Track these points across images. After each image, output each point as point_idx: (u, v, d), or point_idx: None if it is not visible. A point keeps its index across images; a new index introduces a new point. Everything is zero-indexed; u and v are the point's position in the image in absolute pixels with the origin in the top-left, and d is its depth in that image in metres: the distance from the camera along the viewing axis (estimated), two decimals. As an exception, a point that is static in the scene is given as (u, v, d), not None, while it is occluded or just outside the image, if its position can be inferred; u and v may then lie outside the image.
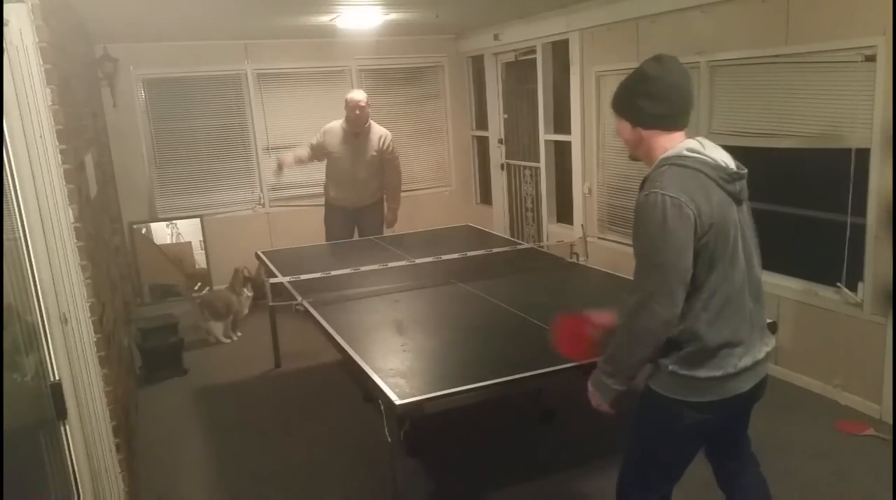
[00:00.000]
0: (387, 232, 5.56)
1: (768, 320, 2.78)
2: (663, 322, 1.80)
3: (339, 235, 5.41)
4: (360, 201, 5.40)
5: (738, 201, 1.87)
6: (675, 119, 1.88)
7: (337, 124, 5.28)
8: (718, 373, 1.85)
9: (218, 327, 5.17)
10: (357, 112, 5.13)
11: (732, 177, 1.83)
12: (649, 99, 1.87)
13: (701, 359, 1.85)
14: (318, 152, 5.36)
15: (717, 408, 1.89)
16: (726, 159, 1.86)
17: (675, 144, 1.88)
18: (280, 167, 5.40)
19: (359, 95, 5.19)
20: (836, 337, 3.69)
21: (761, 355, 1.95)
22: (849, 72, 3.45)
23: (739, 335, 1.87)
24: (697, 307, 1.83)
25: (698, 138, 1.89)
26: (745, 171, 1.89)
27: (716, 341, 1.84)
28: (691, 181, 1.79)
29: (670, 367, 1.88)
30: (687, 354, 1.86)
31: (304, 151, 5.41)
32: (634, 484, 2.09)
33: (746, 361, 1.89)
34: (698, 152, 1.83)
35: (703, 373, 1.85)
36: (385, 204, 5.57)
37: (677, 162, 1.82)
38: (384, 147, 5.33)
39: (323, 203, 5.67)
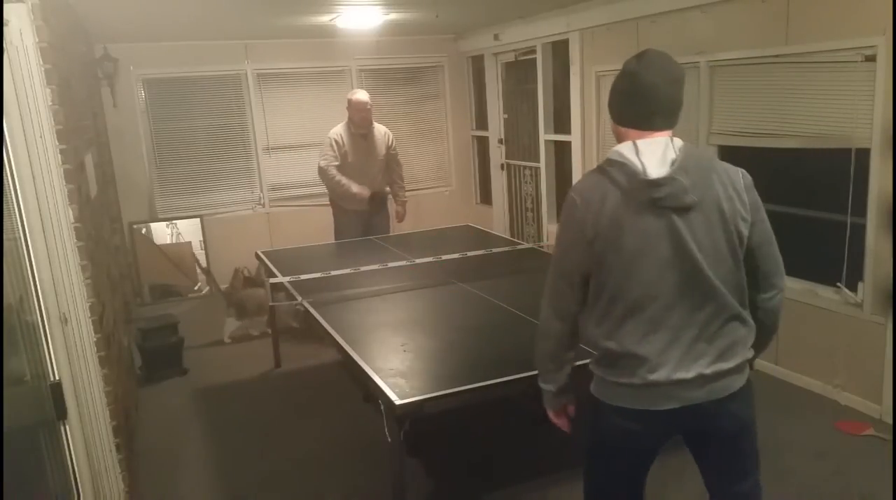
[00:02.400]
0: (394, 230, 5.55)
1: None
2: (551, 316, 1.90)
3: (350, 238, 5.37)
4: (374, 202, 5.38)
5: (666, 208, 1.70)
6: (647, 119, 1.78)
7: (341, 128, 5.18)
8: (625, 380, 1.79)
9: (232, 325, 5.14)
10: (363, 114, 5.08)
11: (651, 184, 1.70)
12: (623, 96, 1.83)
13: (610, 363, 1.83)
14: (344, 163, 5.18)
15: (635, 419, 1.80)
16: (655, 164, 1.72)
17: None
18: (370, 198, 5.24)
19: (364, 95, 5.13)
20: (836, 337, 3.69)
21: (689, 375, 1.75)
22: (849, 72, 3.45)
23: (647, 348, 1.75)
24: (593, 312, 1.84)
25: (645, 139, 1.76)
26: (679, 180, 1.70)
27: (616, 349, 1.79)
28: (595, 185, 1.78)
29: (593, 369, 1.89)
30: (599, 357, 1.86)
31: (351, 183, 5.15)
32: (587, 486, 2.06)
33: (659, 376, 1.75)
34: (623, 156, 1.75)
35: (615, 377, 1.82)
36: (393, 199, 5.54)
37: (602, 164, 1.82)
38: (390, 143, 5.33)
39: (323, 204, 5.65)
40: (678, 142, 1.78)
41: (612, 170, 1.76)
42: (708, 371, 1.76)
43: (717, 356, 1.77)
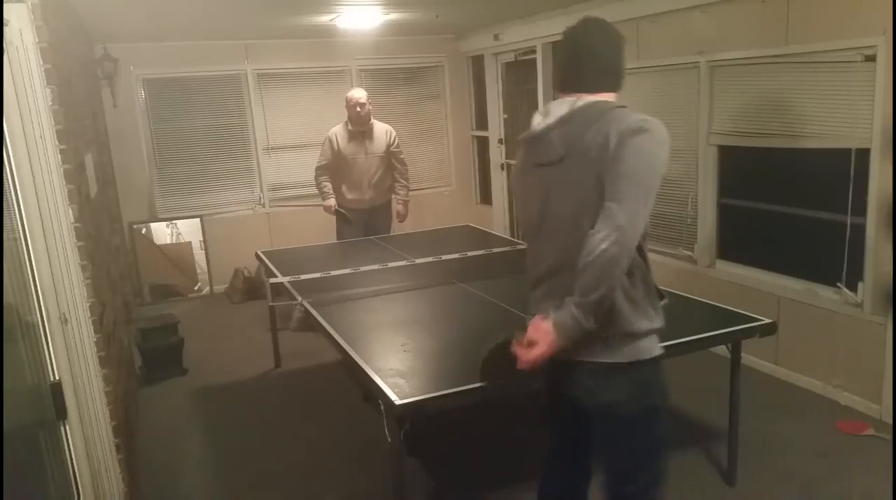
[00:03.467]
0: (395, 230, 5.55)
1: (767, 320, 2.82)
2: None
3: (351, 237, 5.37)
4: (375, 201, 5.36)
5: (545, 159, 1.78)
6: (559, 81, 1.88)
7: (339, 128, 5.22)
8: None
9: (299, 312, 5.05)
10: (359, 110, 5.10)
11: (532, 140, 1.82)
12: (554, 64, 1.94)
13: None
14: (333, 165, 5.23)
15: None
16: (540, 121, 1.81)
17: None
18: (335, 210, 5.30)
19: (359, 92, 5.17)
20: (836, 337, 3.69)
21: None
22: (849, 72, 3.45)
23: (535, 286, 1.91)
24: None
25: (557, 100, 1.84)
26: (550, 135, 1.75)
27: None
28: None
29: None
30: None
31: (328, 193, 5.27)
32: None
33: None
34: (534, 116, 1.85)
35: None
36: (395, 198, 5.54)
37: None
38: (392, 141, 5.33)
39: (322, 203, 5.64)
40: (585, 100, 1.77)
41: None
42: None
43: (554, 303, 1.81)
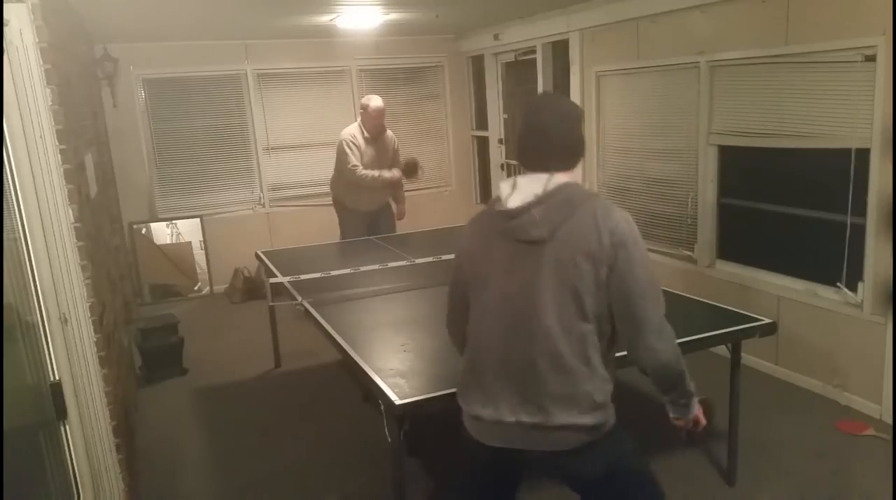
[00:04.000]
0: (398, 229, 5.57)
1: (767, 320, 2.81)
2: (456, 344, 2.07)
3: (355, 237, 5.36)
4: (381, 202, 5.38)
5: (516, 240, 1.72)
6: (522, 158, 1.82)
7: (354, 131, 5.16)
8: (463, 405, 1.89)
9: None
10: (378, 121, 5.10)
11: (503, 214, 1.73)
12: (517, 138, 1.86)
13: (458, 387, 1.94)
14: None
15: (470, 442, 1.89)
16: (518, 198, 1.73)
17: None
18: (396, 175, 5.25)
19: (379, 101, 5.13)
20: (836, 337, 3.69)
21: (510, 419, 1.74)
22: (849, 72, 3.45)
23: (478, 379, 1.82)
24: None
25: (527, 176, 1.76)
26: (532, 212, 1.69)
27: (463, 371, 1.91)
28: (479, 215, 1.90)
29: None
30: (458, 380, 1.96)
31: (383, 173, 5.20)
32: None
33: (487, 413, 1.78)
34: (501, 188, 1.80)
35: (460, 403, 1.92)
36: (394, 198, 5.54)
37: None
38: (396, 146, 5.38)
39: (323, 203, 5.64)
40: (560, 180, 1.72)
41: (493, 201, 1.82)
42: (527, 420, 1.75)
43: (539, 409, 1.74)
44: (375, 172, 5.13)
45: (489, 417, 1.77)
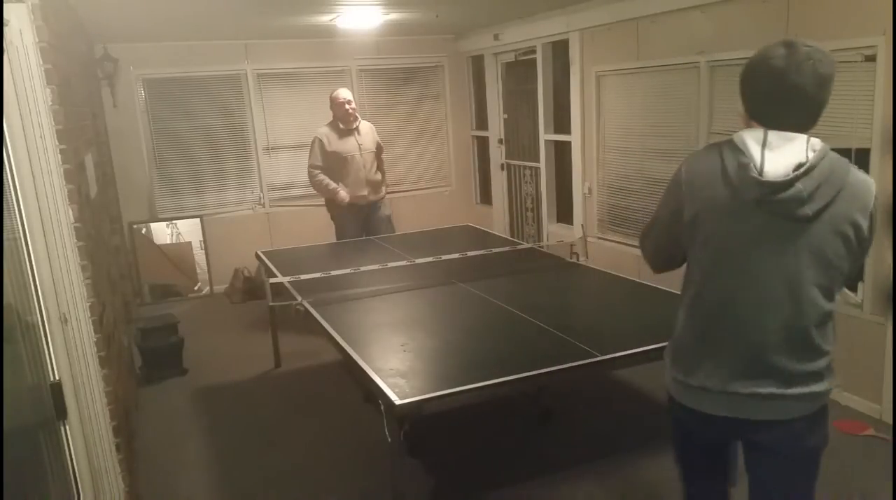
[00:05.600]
0: (396, 230, 5.56)
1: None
2: (649, 262, 1.94)
3: (351, 236, 5.37)
4: (371, 197, 5.38)
5: (775, 215, 1.58)
6: (778, 119, 1.62)
7: (326, 129, 5.28)
8: (680, 376, 1.79)
9: None
10: (346, 107, 5.19)
11: (762, 184, 1.57)
12: (762, 96, 1.65)
13: (675, 354, 1.83)
14: (325, 166, 5.23)
15: (688, 414, 1.80)
16: (777, 163, 1.58)
17: None
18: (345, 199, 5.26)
19: (345, 91, 5.30)
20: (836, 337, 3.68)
21: (745, 390, 1.70)
22: (849, 72, 3.45)
23: (712, 350, 1.72)
24: (682, 296, 1.83)
25: (779, 133, 1.61)
26: (798, 188, 1.55)
27: (686, 338, 1.78)
28: (706, 168, 1.66)
29: (664, 356, 1.90)
30: (671, 345, 1.86)
31: (336, 187, 5.22)
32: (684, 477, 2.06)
33: (714, 382, 1.72)
34: (746, 145, 1.60)
35: (672, 371, 1.83)
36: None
37: (722, 143, 1.67)
38: (377, 137, 5.44)
39: (323, 204, 5.64)
40: (816, 143, 1.62)
41: (729, 157, 1.62)
42: (763, 391, 1.72)
43: (781, 381, 1.73)
44: (326, 183, 5.21)
45: (716, 387, 1.72)
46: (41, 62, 2.19)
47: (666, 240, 1.83)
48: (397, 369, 2.68)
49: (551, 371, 2.60)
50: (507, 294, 3.60)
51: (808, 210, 1.56)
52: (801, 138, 1.62)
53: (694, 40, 4.28)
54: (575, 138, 5.58)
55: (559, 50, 5.80)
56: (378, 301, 3.64)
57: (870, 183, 1.66)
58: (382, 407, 2.46)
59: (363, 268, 4.01)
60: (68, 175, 2.28)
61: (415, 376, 2.62)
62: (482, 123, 7.25)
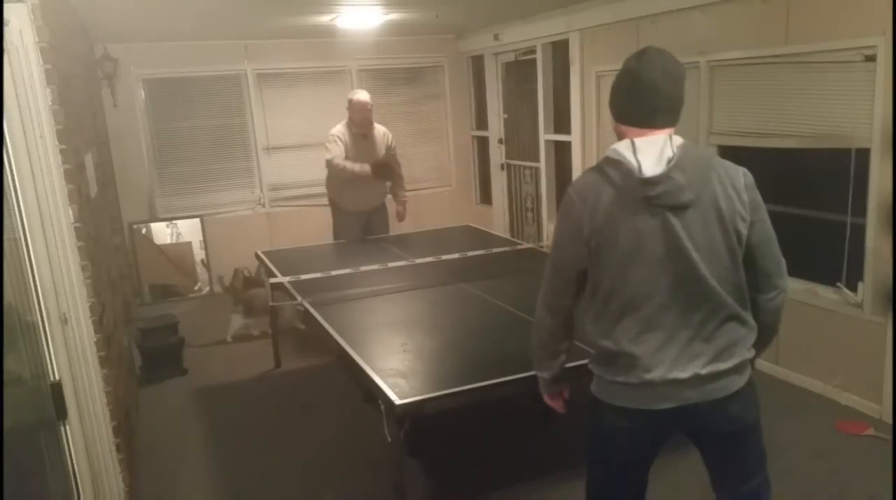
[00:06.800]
0: (394, 230, 5.54)
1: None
2: (543, 310, 1.94)
3: (349, 238, 5.35)
4: (374, 202, 5.34)
5: (661, 207, 1.70)
6: (648, 116, 1.77)
7: (342, 128, 5.15)
8: (622, 379, 1.79)
9: (237, 323, 5.10)
10: (364, 114, 5.06)
11: (645, 182, 1.70)
12: (624, 94, 1.83)
13: (607, 362, 1.83)
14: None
15: (633, 418, 1.80)
16: (651, 162, 1.72)
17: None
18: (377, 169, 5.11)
19: (365, 96, 5.11)
20: (836, 337, 3.69)
21: (685, 374, 1.74)
22: (849, 72, 3.45)
23: (642, 347, 1.75)
24: (589, 310, 1.85)
25: (644, 138, 1.76)
26: (675, 178, 1.69)
27: (612, 347, 1.79)
28: (592, 183, 1.79)
29: (591, 368, 1.90)
30: (597, 356, 1.87)
31: (355, 165, 5.07)
32: (588, 485, 2.05)
33: (654, 375, 1.75)
34: (619, 154, 1.76)
35: (612, 376, 1.82)
36: (394, 199, 5.51)
37: (599, 162, 1.82)
38: (390, 143, 5.31)
39: (323, 204, 5.64)
40: (677, 140, 1.77)
41: (609, 168, 1.77)
42: (704, 371, 1.76)
43: (713, 357, 1.77)
44: (346, 163, 5.03)
45: (659, 378, 1.75)
46: (41, 62, 2.19)
47: (569, 268, 1.85)
48: (397, 369, 2.68)
49: (551, 371, 2.59)
50: (507, 294, 3.60)
51: (689, 195, 1.70)
52: (662, 138, 1.76)
53: (694, 40, 4.28)
54: (575, 138, 5.58)
55: (559, 50, 5.80)
56: (378, 301, 3.64)
57: (734, 165, 1.82)
58: (382, 407, 2.46)
59: (363, 268, 4.01)
60: (68, 175, 2.29)
61: (415, 376, 2.62)
62: (482, 123, 7.25)
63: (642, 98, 1.78)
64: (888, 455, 3.14)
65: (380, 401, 2.49)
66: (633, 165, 1.73)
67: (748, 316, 1.83)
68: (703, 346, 1.76)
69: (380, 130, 5.28)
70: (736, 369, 1.80)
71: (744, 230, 1.77)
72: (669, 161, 1.72)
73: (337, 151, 5.07)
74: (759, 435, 1.90)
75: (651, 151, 1.74)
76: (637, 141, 1.76)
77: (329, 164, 5.11)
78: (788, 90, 3.79)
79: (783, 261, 1.91)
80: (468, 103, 7.40)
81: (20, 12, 2.11)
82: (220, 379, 4.51)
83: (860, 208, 3.49)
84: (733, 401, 1.80)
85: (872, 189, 3.40)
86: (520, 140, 6.76)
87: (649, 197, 1.70)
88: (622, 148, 1.77)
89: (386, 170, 5.17)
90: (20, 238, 2.13)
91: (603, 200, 1.74)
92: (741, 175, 1.79)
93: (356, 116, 5.08)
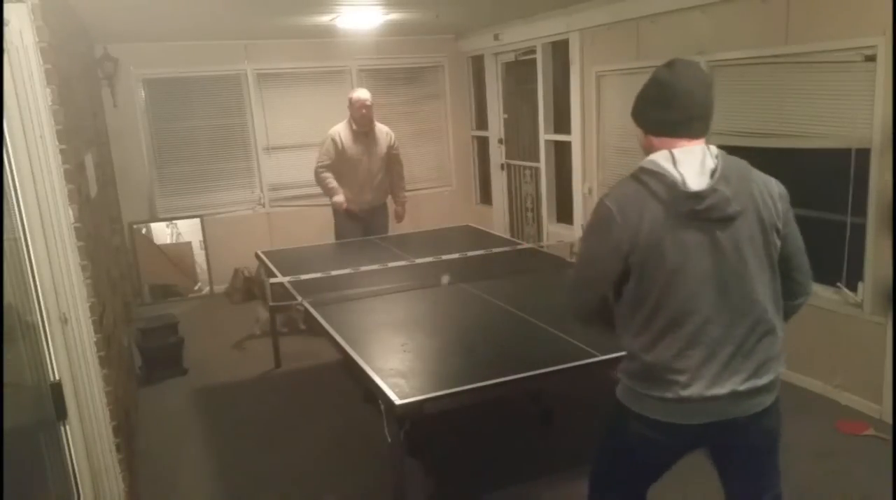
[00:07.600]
0: (392, 231, 5.55)
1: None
2: (581, 322, 1.97)
3: (350, 238, 5.36)
4: (374, 202, 5.36)
5: (708, 221, 1.67)
6: (685, 126, 1.76)
7: (342, 128, 5.18)
8: (659, 394, 1.77)
9: (264, 314, 5.01)
10: (364, 111, 5.08)
11: (692, 196, 1.66)
12: (658, 105, 1.81)
13: (645, 376, 1.80)
14: (335, 165, 5.19)
15: (663, 430, 1.78)
16: (694, 174, 1.68)
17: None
18: (346, 208, 5.25)
19: (364, 93, 5.12)
20: (836, 337, 3.69)
21: (723, 391, 1.73)
22: (849, 72, 3.45)
23: (684, 363, 1.73)
24: (630, 324, 1.81)
25: (682, 149, 1.73)
26: (721, 190, 1.67)
27: (654, 361, 1.77)
28: (633, 196, 1.73)
29: (623, 377, 1.87)
30: (634, 368, 1.83)
31: (336, 188, 5.21)
32: (594, 484, 2.05)
33: (692, 392, 1.73)
34: (660, 166, 1.71)
35: (647, 390, 1.79)
36: (394, 199, 5.53)
37: (636, 173, 1.77)
38: (392, 143, 5.33)
39: (323, 204, 5.65)
40: (713, 149, 1.75)
41: (650, 180, 1.72)
42: (742, 388, 1.76)
43: (752, 373, 1.78)
44: (325, 177, 5.19)
45: (697, 395, 1.74)
46: (41, 62, 2.19)
47: (603, 281, 1.82)
48: (397, 369, 2.68)
49: (551, 371, 2.60)
50: (507, 294, 3.60)
51: (735, 207, 1.69)
52: (700, 148, 1.75)
53: (694, 40, 4.27)
54: (575, 138, 5.58)
55: (559, 50, 5.80)
56: (378, 301, 3.64)
57: (766, 175, 1.85)
58: (382, 407, 2.46)
59: (363, 268, 4.01)
60: (68, 175, 2.29)
61: (415, 376, 2.62)
62: (482, 123, 7.25)
63: (678, 107, 1.77)
64: (888, 455, 3.14)
65: (380, 401, 2.49)
66: (675, 177, 1.69)
67: (781, 328, 1.84)
68: (744, 362, 1.76)
69: (382, 129, 5.29)
70: (770, 386, 1.83)
71: (778, 241, 1.77)
72: (713, 173, 1.69)
73: (324, 159, 5.18)
74: (778, 449, 1.94)
75: (691, 163, 1.71)
76: (676, 152, 1.73)
77: (315, 168, 5.25)
78: (788, 90, 3.79)
79: (810, 268, 1.92)
80: (468, 103, 7.40)
81: (20, 12, 2.11)
82: (220, 379, 4.51)
83: (860, 208, 3.49)
84: (767, 415, 1.84)
85: (872, 189, 3.40)
86: (520, 140, 6.76)
87: (696, 211, 1.66)
88: (661, 159, 1.73)
89: (348, 214, 5.28)
90: (20, 238, 2.13)
91: (647, 214, 1.69)
92: (775, 185, 1.80)
93: (356, 113, 5.10)
